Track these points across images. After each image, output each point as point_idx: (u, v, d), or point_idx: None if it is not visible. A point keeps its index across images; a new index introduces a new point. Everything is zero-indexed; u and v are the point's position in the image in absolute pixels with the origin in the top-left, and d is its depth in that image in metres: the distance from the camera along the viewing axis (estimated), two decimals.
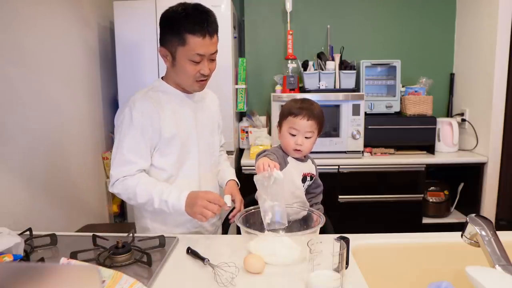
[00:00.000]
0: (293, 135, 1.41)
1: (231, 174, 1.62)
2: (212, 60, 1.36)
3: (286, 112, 1.43)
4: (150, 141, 1.35)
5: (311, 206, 1.49)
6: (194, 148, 1.44)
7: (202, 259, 1.12)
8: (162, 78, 1.46)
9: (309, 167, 1.49)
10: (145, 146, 1.35)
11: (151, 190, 1.31)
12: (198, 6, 1.32)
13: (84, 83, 2.42)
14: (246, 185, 1.63)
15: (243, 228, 1.19)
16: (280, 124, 1.47)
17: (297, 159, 1.46)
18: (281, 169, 1.32)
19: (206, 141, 1.49)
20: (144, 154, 1.35)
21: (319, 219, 1.24)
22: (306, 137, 1.41)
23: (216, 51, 1.35)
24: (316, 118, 1.41)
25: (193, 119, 1.44)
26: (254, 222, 1.28)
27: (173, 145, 1.39)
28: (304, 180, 1.46)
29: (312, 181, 1.50)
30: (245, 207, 1.32)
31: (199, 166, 1.45)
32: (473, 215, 0.96)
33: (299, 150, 1.42)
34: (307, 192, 1.51)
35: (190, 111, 1.44)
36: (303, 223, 1.34)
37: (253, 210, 1.30)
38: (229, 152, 2.09)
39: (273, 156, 1.35)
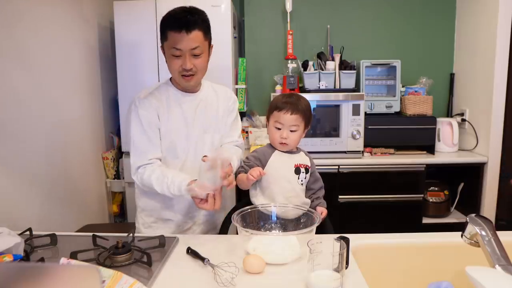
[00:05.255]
0: (278, 129, 1.44)
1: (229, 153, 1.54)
2: (196, 55, 1.37)
3: (273, 107, 1.46)
4: (157, 133, 1.44)
5: (312, 201, 1.49)
6: (181, 147, 1.48)
7: (202, 259, 1.12)
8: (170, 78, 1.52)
9: (301, 158, 1.49)
10: (154, 137, 1.43)
11: (162, 182, 1.37)
12: (188, 7, 1.37)
13: (84, 83, 2.42)
14: None
15: (239, 228, 1.18)
16: (267, 119, 1.50)
17: (286, 151, 1.47)
18: (262, 167, 1.41)
19: (195, 141, 1.50)
20: (153, 144, 1.43)
21: (316, 217, 1.24)
22: (291, 130, 1.43)
23: (198, 47, 1.35)
24: (300, 112, 1.42)
25: (185, 119, 1.47)
26: (252, 222, 1.28)
27: (162, 142, 1.46)
28: (297, 171, 1.46)
29: (309, 173, 1.50)
30: (242, 207, 1.32)
31: (182, 166, 1.48)
32: (473, 215, 0.96)
33: (284, 144, 1.44)
34: (307, 188, 1.51)
35: (184, 110, 1.47)
36: (299, 222, 1.33)
37: (249, 210, 1.29)
38: None
39: (250, 162, 1.44)
